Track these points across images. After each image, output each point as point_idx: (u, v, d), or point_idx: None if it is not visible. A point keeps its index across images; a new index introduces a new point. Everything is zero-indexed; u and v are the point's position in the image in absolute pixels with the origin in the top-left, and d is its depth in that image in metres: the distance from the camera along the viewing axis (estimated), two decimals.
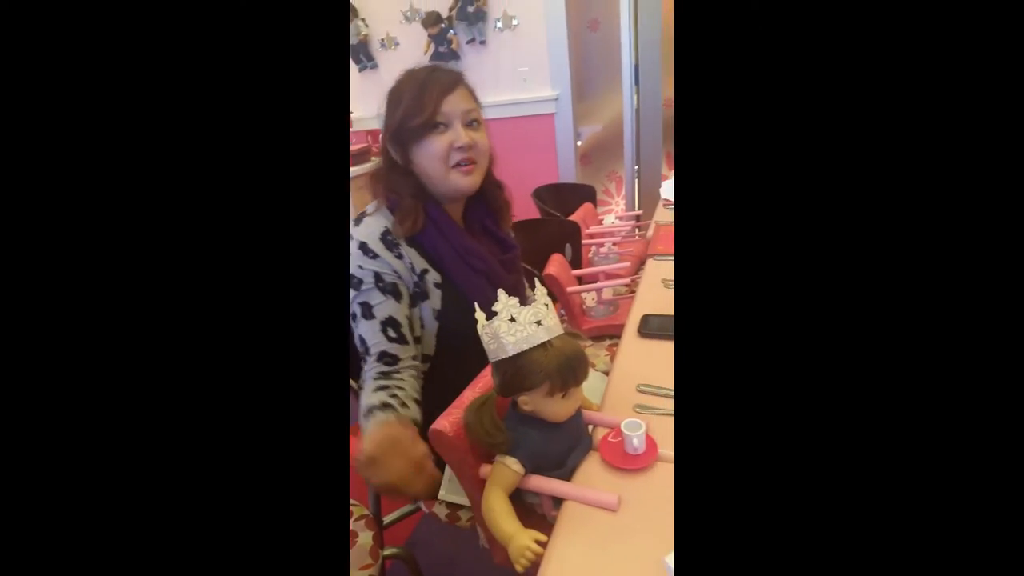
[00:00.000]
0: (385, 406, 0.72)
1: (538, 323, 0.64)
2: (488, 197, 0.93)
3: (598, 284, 1.41)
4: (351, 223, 0.84)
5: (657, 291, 1.17)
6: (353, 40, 2.52)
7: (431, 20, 2.36)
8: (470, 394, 0.73)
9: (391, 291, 0.80)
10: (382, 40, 2.54)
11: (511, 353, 0.63)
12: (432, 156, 0.81)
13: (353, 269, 0.80)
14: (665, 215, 1.69)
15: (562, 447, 0.68)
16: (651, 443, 0.68)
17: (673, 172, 2.18)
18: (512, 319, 0.63)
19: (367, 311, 0.79)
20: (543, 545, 0.58)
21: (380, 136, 0.88)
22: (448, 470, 0.85)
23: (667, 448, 0.68)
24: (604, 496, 0.62)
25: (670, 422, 0.74)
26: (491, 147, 0.89)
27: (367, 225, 0.83)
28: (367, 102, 2.45)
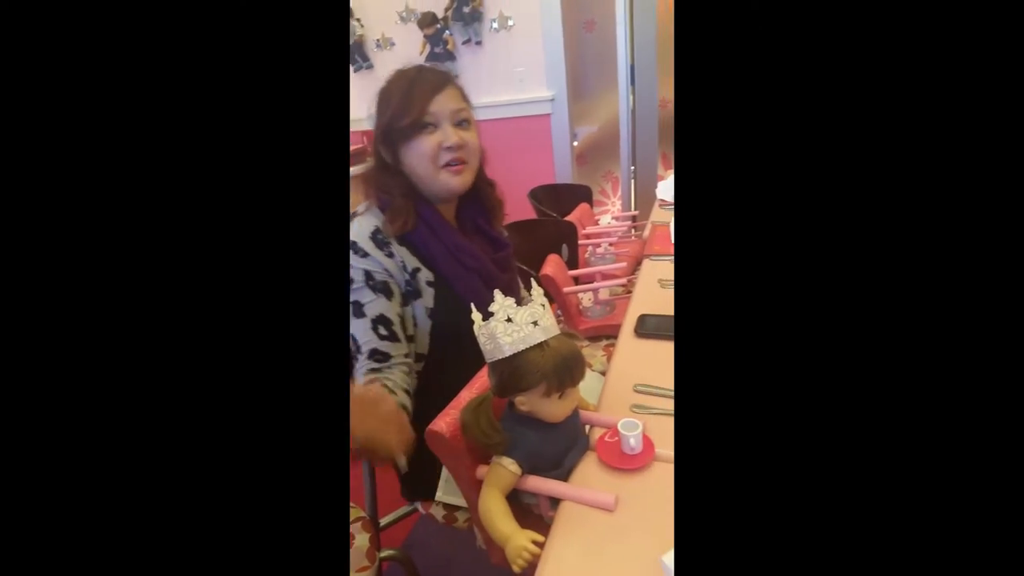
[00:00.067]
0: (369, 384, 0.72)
1: (535, 323, 0.64)
2: (481, 196, 0.93)
3: (595, 284, 1.41)
4: None
5: (653, 291, 1.17)
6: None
7: (427, 20, 2.36)
8: (467, 395, 0.73)
9: (382, 289, 0.80)
10: (377, 41, 2.53)
11: (508, 354, 0.63)
12: (421, 156, 0.81)
13: None
14: (661, 215, 1.70)
15: (559, 447, 0.68)
16: (648, 443, 0.68)
17: (669, 172, 2.18)
18: (509, 319, 0.63)
19: (357, 309, 0.79)
20: (540, 545, 0.58)
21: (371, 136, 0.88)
22: (445, 471, 0.85)
23: (664, 448, 0.68)
24: (601, 496, 0.62)
25: (667, 422, 0.74)
26: (483, 146, 0.89)
27: (357, 224, 0.83)
28: (362, 103, 2.44)
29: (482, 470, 0.69)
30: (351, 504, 0.86)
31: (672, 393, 0.79)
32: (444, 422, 0.68)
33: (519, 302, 0.65)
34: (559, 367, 0.63)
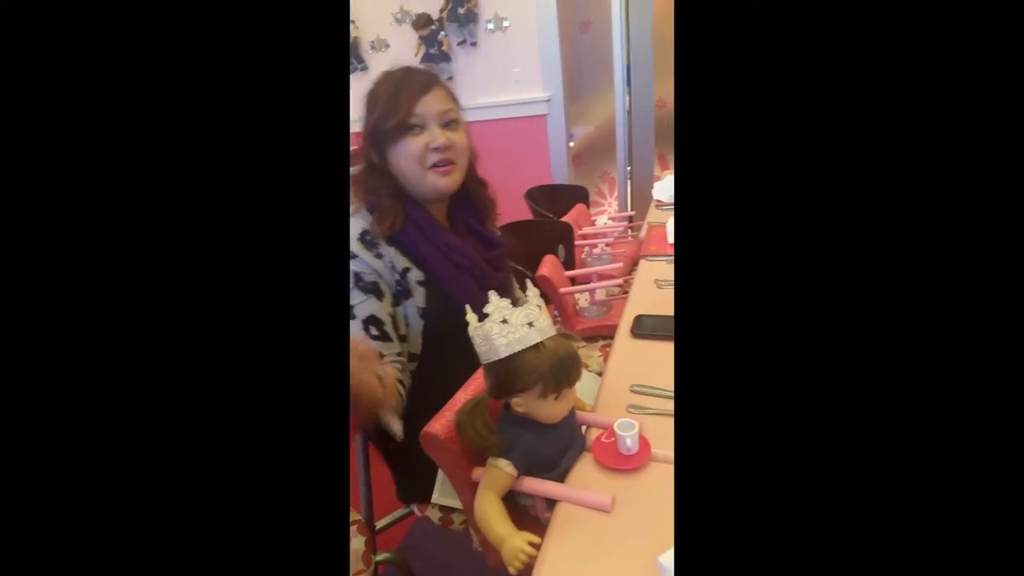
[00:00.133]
0: None
1: (530, 324, 0.63)
2: (472, 196, 0.93)
3: (591, 285, 1.41)
4: None
5: (650, 292, 1.17)
6: None
7: (421, 22, 2.36)
8: (462, 396, 0.73)
9: (371, 290, 0.80)
10: (372, 42, 2.53)
11: (503, 355, 0.63)
12: (408, 157, 0.81)
13: None
14: (657, 216, 1.70)
15: (555, 448, 0.68)
16: (644, 443, 0.68)
17: (665, 173, 2.18)
18: (504, 321, 0.63)
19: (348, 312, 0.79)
20: (537, 547, 0.58)
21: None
22: (441, 473, 0.84)
23: (661, 448, 0.68)
24: (597, 497, 0.61)
25: (664, 422, 0.73)
26: (474, 146, 0.89)
27: None
28: (356, 105, 2.44)
29: (478, 472, 0.68)
30: None
31: (669, 393, 0.79)
32: (439, 424, 0.67)
33: (513, 302, 0.64)
34: (555, 368, 0.63)
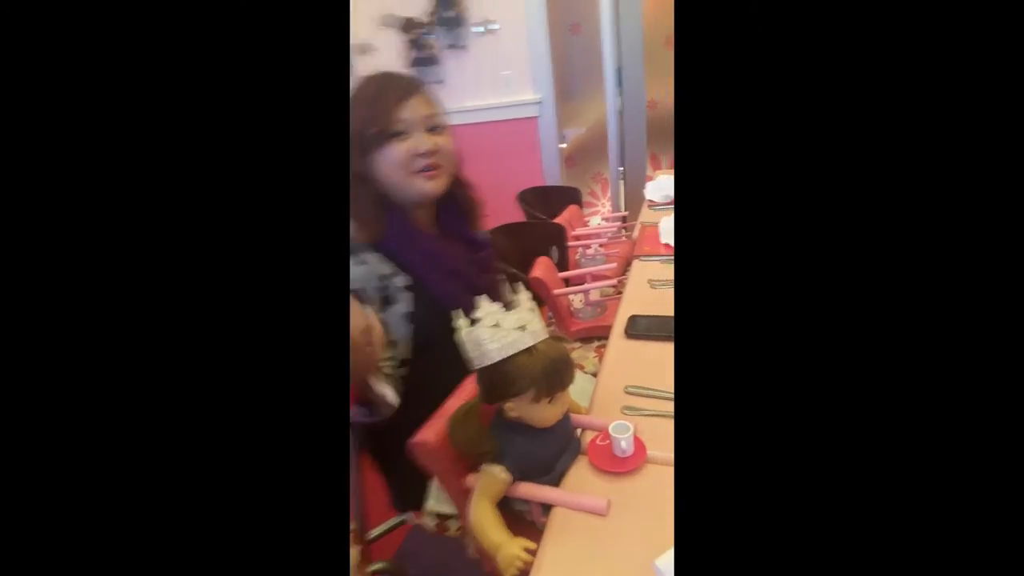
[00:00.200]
0: None
1: (522, 328, 0.62)
2: (458, 199, 0.92)
3: (585, 286, 1.41)
4: None
5: (644, 292, 1.16)
6: None
7: (409, 25, 2.35)
8: (453, 402, 0.72)
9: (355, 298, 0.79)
10: (359, 46, 2.52)
11: (495, 360, 0.62)
12: (392, 164, 0.81)
13: None
14: (650, 216, 1.70)
15: (550, 452, 0.67)
16: (640, 445, 0.67)
17: (657, 173, 2.19)
18: (495, 325, 0.62)
19: None
20: (533, 553, 0.57)
21: None
22: (434, 479, 0.83)
23: (656, 450, 0.67)
24: (593, 501, 0.61)
25: (659, 423, 0.73)
26: (459, 150, 0.88)
27: None
28: None
29: (471, 479, 0.67)
30: None
31: (664, 394, 0.79)
32: (431, 431, 0.66)
33: (504, 304, 0.64)
34: (548, 372, 0.62)
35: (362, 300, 0.79)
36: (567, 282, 1.44)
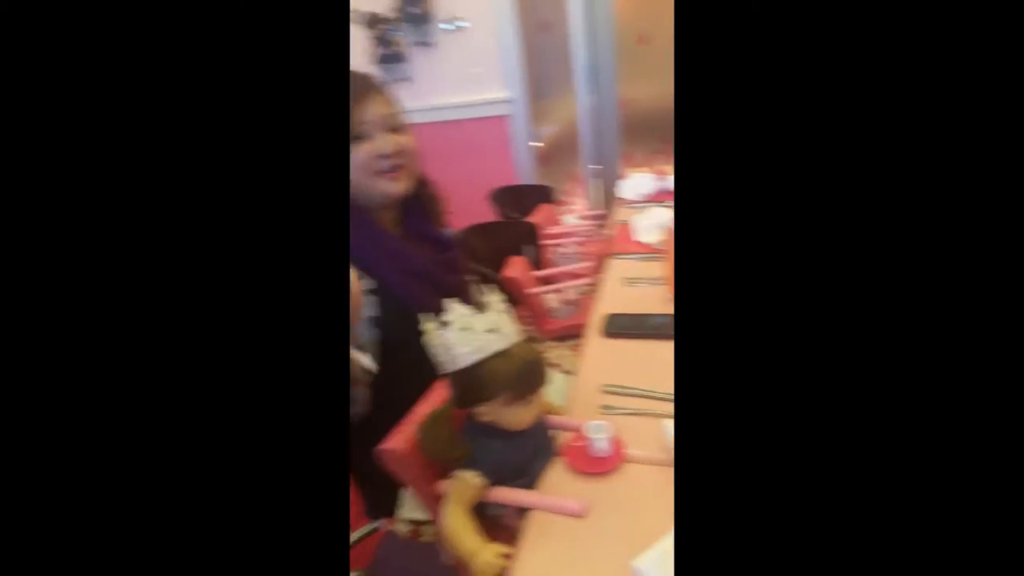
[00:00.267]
0: None
1: (493, 330, 0.61)
2: (421, 198, 0.90)
3: (561, 285, 1.40)
4: None
5: (619, 290, 1.16)
6: None
7: (374, 21, 2.31)
8: (423, 408, 0.70)
9: None
10: None
11: (466, 363, 0.60)
12: (354, 166, 0.79)
13: None
14: (624, 214, 1.70)
15: (525, 455, 0.65)
16: (617, 445, 0.66)
17: (631, 171, 2.19)
18: (466, 328, 0.60)
19: None
20: (509, 558, 0.56)
21: None
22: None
23: (635, 448, 0.66)
24: (569, 503, 0.60)
25: (637, 422, 0.72)
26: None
27: None
28: None
29: (444, 485, 0.65)
30: None
31: (641, 392, 0.78)
32: (399, 439, 0.64)
33: (474, 305, 0.62)
34: (521, 374, 0.61)
35: None
36: (543, 281, 1.43)
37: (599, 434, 0.64)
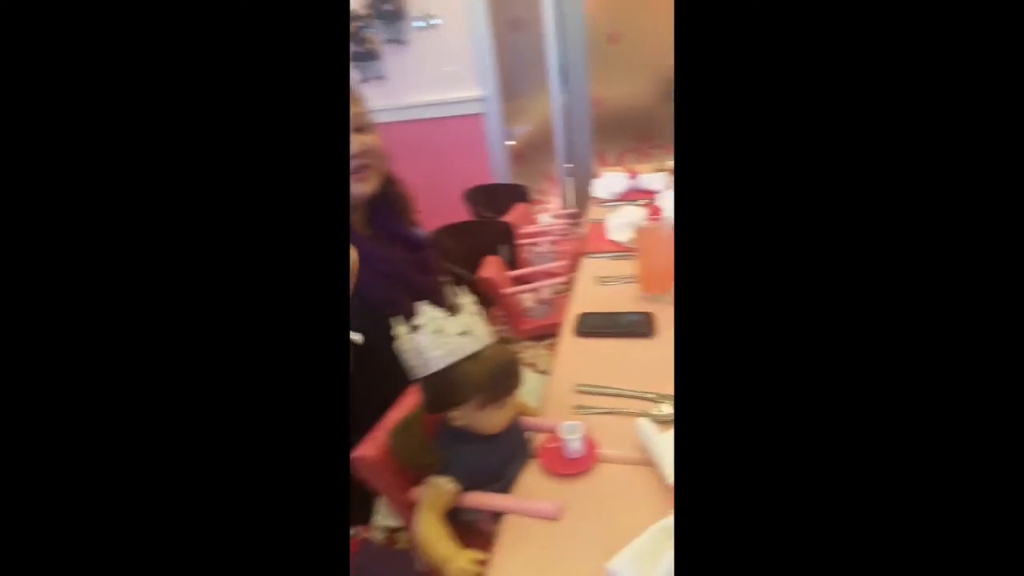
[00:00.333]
0: None
1: (466, 333, 0.60)
2: (390, 197, 0.89)
3: (536, 284, 1.40)
4: None
5: (592, 289, 1.16)
6: None
7: None
8: (395, 414, 0.69)
9: None
10: None
11: (438, 367, 0.59)
12: None
13: None
14: (598, 213, 1.71)
15: (499, 459, 0.65)
16: (591, 445, 0.66)
17: (605, 170, 2.21)
18: (437, 331, 0.59)
19: None
20: (484, 564, 0.55)
21: None
22: None
23: (610, 448, 0.66)
24: (544, 505, 0.59)
25: (612, 421, 0.72)
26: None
27: None
28: None
29: (417, 492, 0.64)
30: None
31: (615, 391, 0.78)
32: (370, 445, 0.63)
33: (448, 307, 0.61)
34: (494, 377, 0.60)
35: None
36: (518, 281, 1.43)
37: (572, 435, 0.64)
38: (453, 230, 1.56)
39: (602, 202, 1.78)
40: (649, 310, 0.99)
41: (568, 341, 0.96)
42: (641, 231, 1.06)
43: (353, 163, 0.78)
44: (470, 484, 0.62)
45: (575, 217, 2.01)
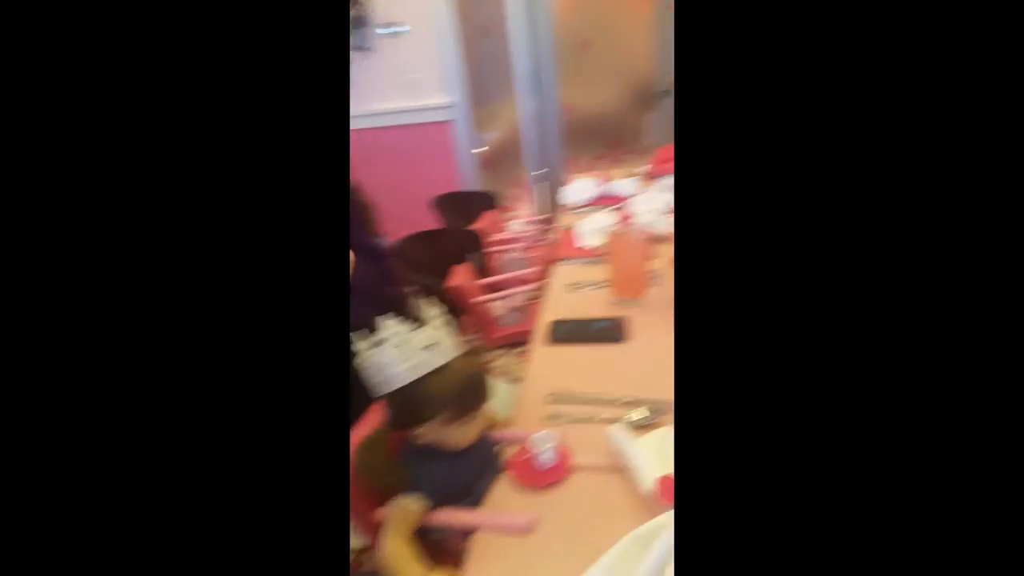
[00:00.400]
0: None
1: (431, 346, 0.58)
2: (351, 206, 0.87)
3: (506, 292, 1.38)
4: None
5: (564, 296, 1.16)
6: None
7: None
8: (358, 432, 0.66)
9: None
10: None
11: (402, 383, 0.57)
12: None
13: None
14: (569, 219, 1.71)
15: (468, 474, 0.63)
16: (564, 455, 0.64)
17: (575, 177, 2.21)
18: (401, 345, 0.57)
19: None
20: None
21: None
22: None
23: (584, 457, 0.65)
24: (515, 519, 0.58)
25: (586, 429, 0.71)
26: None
27: None
28: None
29: (383, 511, 0.62)
30: None
31: (589, 398, 0.77)
32: None
33: (413, 319, 0.59)
34: (461, 391, 0.58)
35: None
36: (487, 289, 1.41)
37: (545, 445, 0.63)
38: (421, 238, 1.54)
39: (572, 208, 1.78)
40: (622, 314, 0.98)
41: (540, 349, 0.95)
42: (613, 236, 1.05)
43: None
44: (439, 501, 0.60)
45: (545, 224, 2.01)
